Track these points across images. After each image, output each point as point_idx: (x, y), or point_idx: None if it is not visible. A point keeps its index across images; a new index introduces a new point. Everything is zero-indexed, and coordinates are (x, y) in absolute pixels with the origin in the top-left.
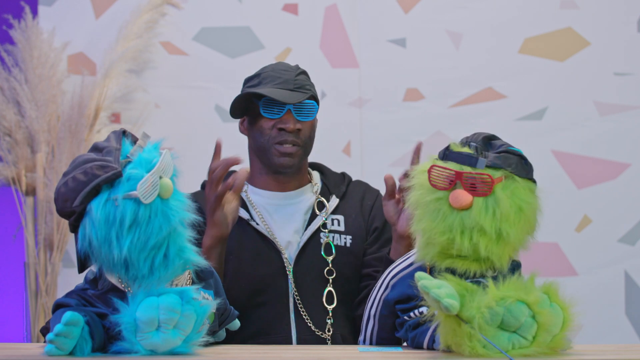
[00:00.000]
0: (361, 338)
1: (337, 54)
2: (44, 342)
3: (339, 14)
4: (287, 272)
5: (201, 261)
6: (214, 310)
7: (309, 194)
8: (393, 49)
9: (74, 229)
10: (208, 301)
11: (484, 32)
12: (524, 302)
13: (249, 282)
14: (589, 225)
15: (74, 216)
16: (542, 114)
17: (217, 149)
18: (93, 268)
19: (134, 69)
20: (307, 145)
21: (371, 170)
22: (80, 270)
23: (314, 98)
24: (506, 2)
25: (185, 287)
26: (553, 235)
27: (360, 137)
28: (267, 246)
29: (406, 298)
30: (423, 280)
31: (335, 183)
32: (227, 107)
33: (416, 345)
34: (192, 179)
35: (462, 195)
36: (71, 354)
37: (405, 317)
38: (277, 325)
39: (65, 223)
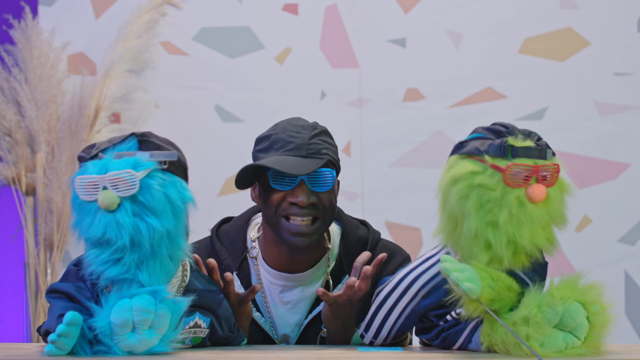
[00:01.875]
0: (368, 333)
1: (337, 54)
2: (44, 341)
3: (339, 14)
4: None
5: (189, 254)
6: (203, 336)
7: (320, 272)
8: (393, 49)
9: None
10: (181, 298)
11: (484, 32)
12: (581, 302)
13: None
14: (589, 225)
15: None
16: (542, 114)
17: (212, 269)
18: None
19: (134, 69)
20: (326, 216)
21: (371, 170)
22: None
23: (333, 164)
24: (506, 2)
25: (157, 287)
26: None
27: (360, 137)
28: (264, 336)
29: (442, 304)
30: (446, 262)
31: (354, 256)
32: (227, 107)
33: (446, 345)
34: (192, 179)
35: (539, 190)
36: (71, 353)
37: (441, 322)
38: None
39: (65, 223)
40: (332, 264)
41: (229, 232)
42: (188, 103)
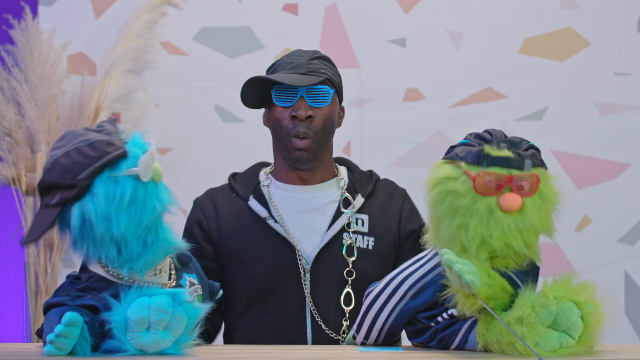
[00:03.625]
0: (359, 335)
1: (337, 54)
2: (43, 342)
3: (339, 14)
4: (304, 272)
5: (182, 245)
6: (202, 292)
7: (333, 189)
8: (393, 49)
9: (61, 202)
10: (200, 304)
11: (484, 32)
12: (575, 302)
13: (263, 282)
14: (589, 225)
15: (73, 190)
16: (542, 114)
17: None
18: (80, 255)
19: (134, 69)
20: (319, 135)
21: None
22: (33, 238)
23: (331, 83)
24: (506, 2)
25: (177, 289)
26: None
27: (360, 137)
28: (284, 245)
29: (432, 305)
30: (448, 254)
31: (362, 181)
32: (227, 107)
33: (443, 346)
34: (192, 179)
35: (513, 199)
36: (71, 353)
37: (432, 324)
38: (291, 326)
39: None
40: (344, 185)
41: (242, 174)
42: (188, 103)
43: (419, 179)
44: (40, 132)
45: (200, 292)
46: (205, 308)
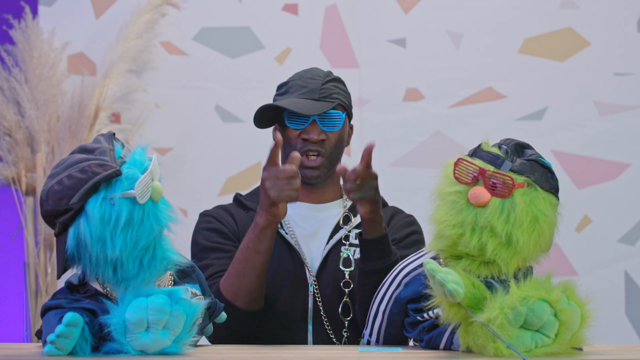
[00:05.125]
0: (367, 332)
1: (337, 54)
2: (43, 343)
3: (339, 14)
4: (310, 284)
5: (183, 260)
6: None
7: (338, 209)
8: (393, 49)
9: (63, 229)
10: (197, 301)
11: (484, 32)
12: (546, 300)
13: (270, 289)
14: (589, 225)
15: (69, 214)
16: (542, 114)
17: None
18: (77, 271)
19: (134, 69)
20: (332, 155)
21: None
22: (60, 275)
23: (343, 107)
24: (506, 2)
25: (174, 287)
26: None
27: (360, 137)
28: (292, 256)
29: (419, 297)
30: (431, 264)
31: None
32: (227, 107)
33: (432, 347)
34: (193, 179)
35: (481, 193)
36: (71, 354)
37: (419, 317)
38: (294, 335)
39: None
40: (347, 205)
41: (249, 193)
42: (188, 103)
43: (419, 179)
44: (40, 132)
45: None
46: (203, 304)
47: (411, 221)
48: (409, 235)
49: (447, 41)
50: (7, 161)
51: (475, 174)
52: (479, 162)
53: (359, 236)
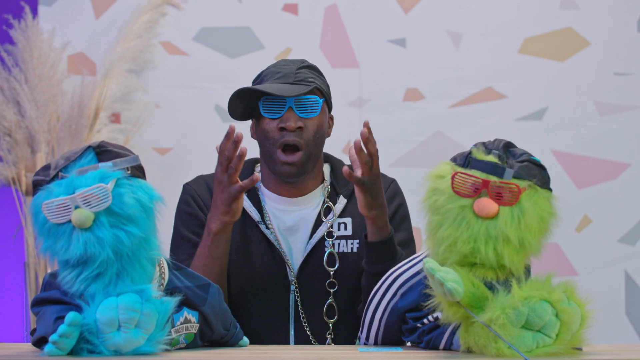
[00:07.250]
0: (362, 335)
1: (337, 54)
2: (37, 347)
3: (339, 14)
4: (290, 283)
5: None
6: (195, 331)
7: (318, 198)
8: (393, 49)
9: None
10: (169, 299)
11: (484, 32)
12: (547, 301)
13: (249, 288)
14: (589, 225)
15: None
16: (542, 114)
17: (230, 133)
18: None
19: (134, 69)
20: (311, 146)
21: None
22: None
23: (320, 92)
24: (506, 2)
25: (144, 285)
26: (553, 235)
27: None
28: (272, 253)
29: (419, 305)
30: (430, 263)
31: (344, 180)
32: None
33: (432, 347)
34: (192, 179)
35: (488, 205)
36: (70, 353)
37: (419, 325)
38: (275, 337)
39: None
40: (326, 191)
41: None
42: (188, 103)
43: (419, 179)
44: (40, 132)
45: (193, 331)
46: (175, 302)
47: (394, 191)
48: (396, 212)
49: (447, 41)
50: (7, 161)
51: (478, 186)
52: (477, 173)
53: (363, 238)
